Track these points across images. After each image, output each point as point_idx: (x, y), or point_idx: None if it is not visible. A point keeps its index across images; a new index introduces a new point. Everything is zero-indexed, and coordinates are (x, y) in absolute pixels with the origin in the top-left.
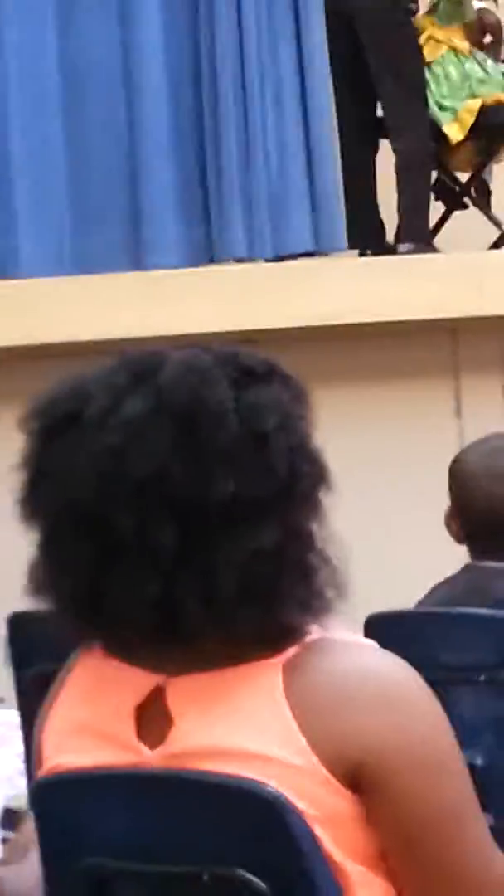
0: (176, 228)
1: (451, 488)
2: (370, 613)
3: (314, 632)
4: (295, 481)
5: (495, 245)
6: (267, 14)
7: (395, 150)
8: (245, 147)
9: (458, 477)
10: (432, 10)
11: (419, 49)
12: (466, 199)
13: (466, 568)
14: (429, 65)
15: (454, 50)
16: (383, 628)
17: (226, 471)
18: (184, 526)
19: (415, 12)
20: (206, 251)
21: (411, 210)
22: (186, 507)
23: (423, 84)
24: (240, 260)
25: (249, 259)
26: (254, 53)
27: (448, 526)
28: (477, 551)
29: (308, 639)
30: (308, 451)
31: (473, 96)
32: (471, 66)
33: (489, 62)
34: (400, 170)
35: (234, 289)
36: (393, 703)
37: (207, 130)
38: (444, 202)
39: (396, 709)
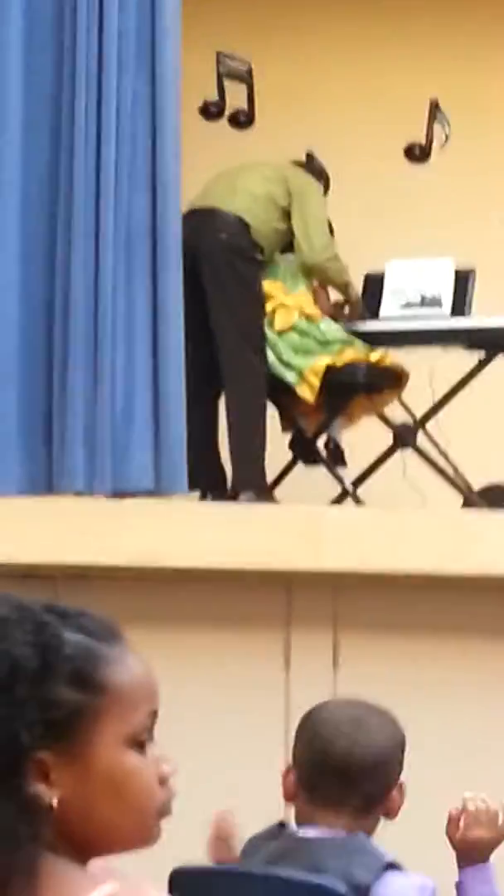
0: (16, 457)
1: (304, 739)
2: (175, 868)
3: (114, 884)
4: None
5: (336, 501)
6: (125, 251)
7: (226, 398)
8: (92, 383)
9: (314, 725)
10: (272, 276)
11: (260, 300)
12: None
13: (284, 833)
14: (281, 332)
15: (306, 316)
16: (187, 883)
17: None
18: None
19: (259, 262)
20: (46, 482)
21: (244, 459)
22: None
23: (261, 335)
24: (78, 493)
25: (88, 493)
26: (108, 289)
27: (285, 778)
28: (315, 803)
29: (105, 889)
30: None
31: (319, 356)
32: (317, 329)
33: (334, 325)
34: (232, 419)
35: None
36: None
37: (56, 363)
38: (296, 456)
39: None
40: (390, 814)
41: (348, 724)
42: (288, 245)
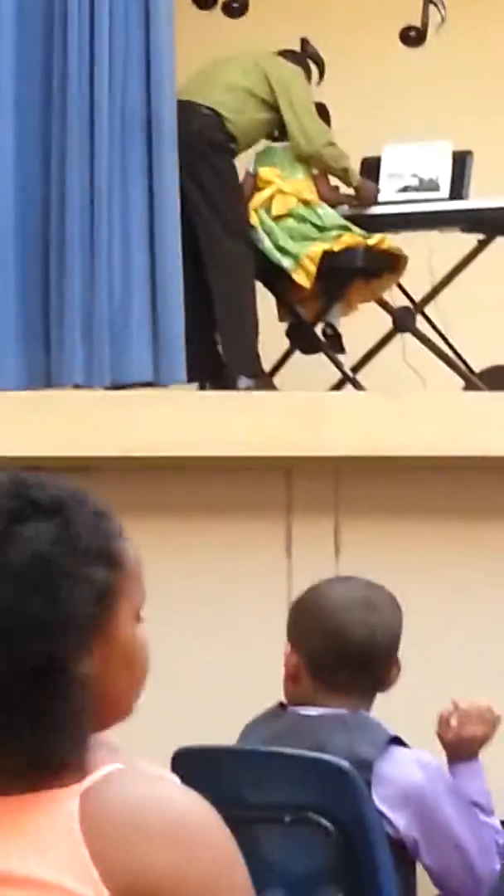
0: (14, 352)
1: (308, 624)
2: (178, 748)
3: (115, 761)
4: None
5: (336, 387)
6: (120, 142)
7: (214, 287)
8: (90, 275)
9: (326, 609)
10: (269, 162)
11: (236, 189)
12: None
13: (286, 713)
14: (278, 218)
15: (304, 202)
16: (189, 763)
17: None
18: None
19: (233, 153)
20: (44, 376)
21: (235, 345)
22: None
23: (242, 222)
24: (77, 386)
25: (87, 386)
26: (104, 181)
27: (288, 659)
28: (323, 685)
29: (108, 768)
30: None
31: (316, 241)
32: (315, 214)
33: (332, 211)
34: (220, 306)
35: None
36: (184, 839)
37: (52, 258)
38: (294, 344)
39: (187, 844)
40: (386, 688)
41: (363, 610)
42: (279, 133)
